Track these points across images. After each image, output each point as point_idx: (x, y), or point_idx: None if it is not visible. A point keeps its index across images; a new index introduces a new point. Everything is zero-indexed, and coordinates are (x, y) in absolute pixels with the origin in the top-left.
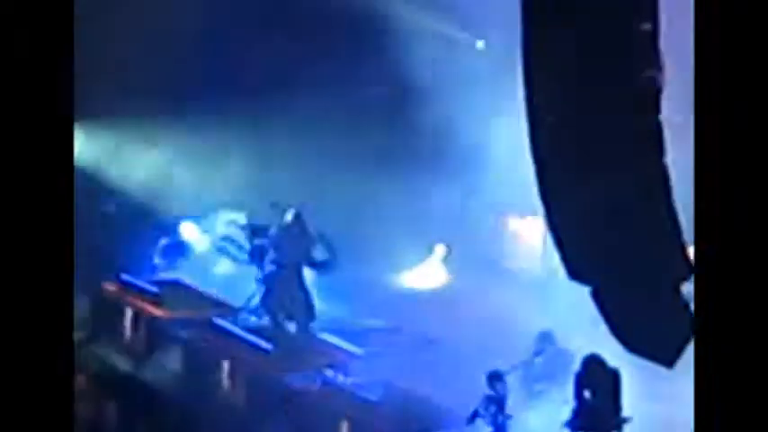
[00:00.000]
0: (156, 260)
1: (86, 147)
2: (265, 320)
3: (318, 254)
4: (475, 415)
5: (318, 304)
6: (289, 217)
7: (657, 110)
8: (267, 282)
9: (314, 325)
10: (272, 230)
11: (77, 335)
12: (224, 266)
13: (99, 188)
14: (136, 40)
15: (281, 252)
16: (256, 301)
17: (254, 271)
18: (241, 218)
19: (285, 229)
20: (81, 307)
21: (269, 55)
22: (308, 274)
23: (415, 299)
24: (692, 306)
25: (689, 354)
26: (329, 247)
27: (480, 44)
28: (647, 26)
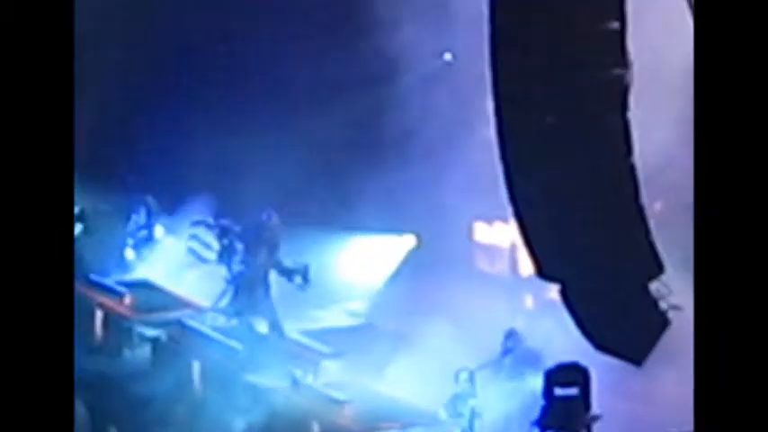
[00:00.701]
0: (128, 257)
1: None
2: (234, 321)
3: (289, 261)
4: None
5: (287, 303)
6: (263, 218)
7: (625, 108)
8: (236, 282)
9: (283, 325)
10: (242, 230)
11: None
12: (193, 266)
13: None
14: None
15: (252, 253)
16: (225, 301)
17: (222, 271)
18: (210, 218)
19: (257, 229)
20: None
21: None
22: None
23: (384, 296)
24: (663, 305)
25: (657, 352)
26: (302, 269)
27: (448, 56)
28: (614, 25)
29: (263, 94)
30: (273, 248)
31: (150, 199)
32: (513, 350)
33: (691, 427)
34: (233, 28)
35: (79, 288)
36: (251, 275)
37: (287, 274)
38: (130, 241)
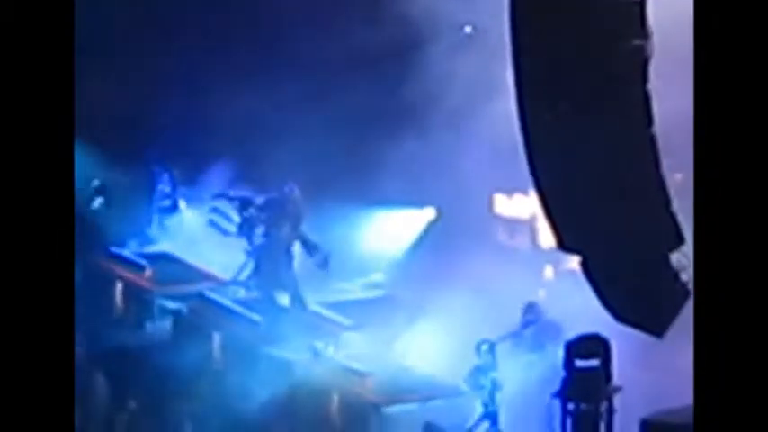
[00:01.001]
0: (149, 229)
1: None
2: (255, 293)
3: (313, 237)
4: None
5: (309, 276)
6: (285, 191)
7: (646, 79)
8: (257, 254)
9: (305, 297)
10: (264, 203)
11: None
12: (214, 238)
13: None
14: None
15: (275, 226)
16: (246, 273)
17: (243, 244)
18: (231, 191)
19: (279, 202)
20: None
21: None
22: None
23: (404, 268)
24: (683, 276)
25: (678, 323)
26: (324, 253)
27: (468, 28)
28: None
29: (285, 64)
30: (296, 221)
31: (174, 170)
32: (533, 322)
33: None
34: None
35: (100, 261)
36: (273, 248)
37: (309, 248)
38: (155, 210)
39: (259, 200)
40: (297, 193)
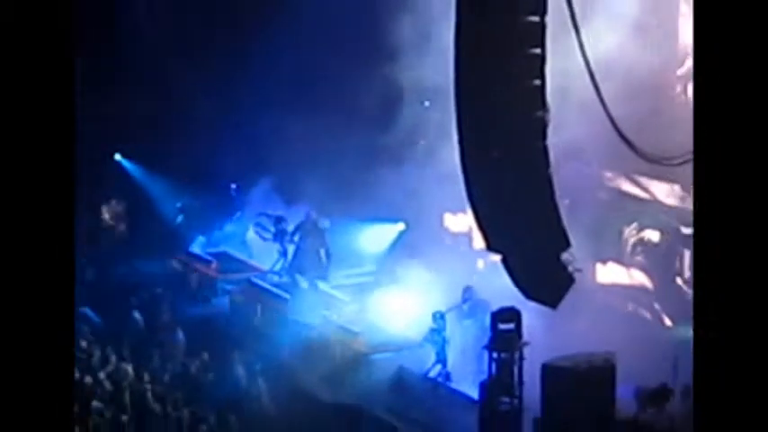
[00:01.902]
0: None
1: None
2: (285, 278)
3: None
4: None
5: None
6: (305, 214)
7: (545, 136)
8: (286, 254)
9: (319, 282)
10: (291, 220)
11: (158, 290)
12: (257, 242)
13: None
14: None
15: (300, 236)
16: (278, 266)
17: (277, 246)
18: (269, 211)
19: (302, 221)
20: (163, 270)
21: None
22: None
23: (384, 263)
24: (570, 268)
25: (566, 299)
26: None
27: (427, 103)
28: (537, 82)
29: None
30: (317, 234)
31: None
32: (469, 299)
33: (593, 348)
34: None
35: (181, 257)
36: (298, 250)
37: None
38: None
39: (287, 218)
40: (313, 215)
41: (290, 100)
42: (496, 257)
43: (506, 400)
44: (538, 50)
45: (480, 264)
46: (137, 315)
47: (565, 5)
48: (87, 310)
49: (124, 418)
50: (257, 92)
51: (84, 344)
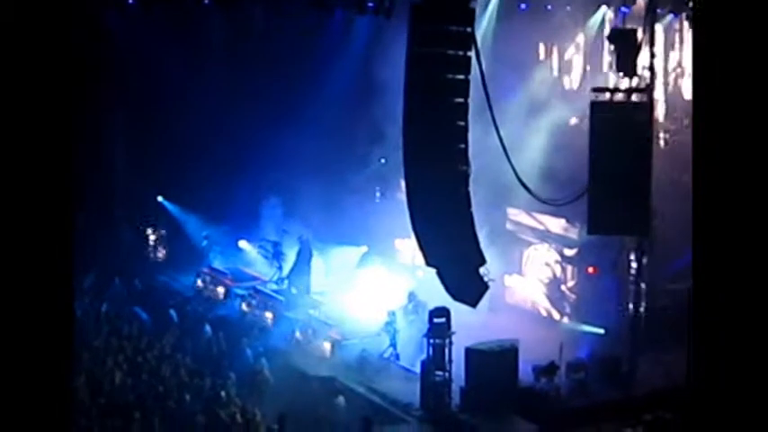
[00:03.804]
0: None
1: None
2: (282, 286)
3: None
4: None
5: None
6: (300, 238)
7: (467, 183)
8: (282, 268)
9: (306, 290)
10: (285, 245)
11: (189, 294)
12: (261, 260)
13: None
14: None
15: (298, 255)
16: (276, 277)
17: (275, 263)
18: (269, 236)
19: (298, 245)
20: (192, 280)
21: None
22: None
23: (351, 275)
24: (485, 278)
25: (483, 301)
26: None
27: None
28: (462, 146)
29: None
30: (307, 254)
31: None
32: (413, 300)
33: (502, 336)
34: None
35: (206, 271)
36: (293, 267)
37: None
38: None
39: (281, 243)
40: (305, 238)
41: (289, 159)
42: (432, 270)
43: (440, 373)
44: (462, 123)
45: (420, 274)
46: (172, 313)
47: (482, 89)
48: (138, 309)
49: (161, 389)
50: (262, 149)
51: (135, 332)
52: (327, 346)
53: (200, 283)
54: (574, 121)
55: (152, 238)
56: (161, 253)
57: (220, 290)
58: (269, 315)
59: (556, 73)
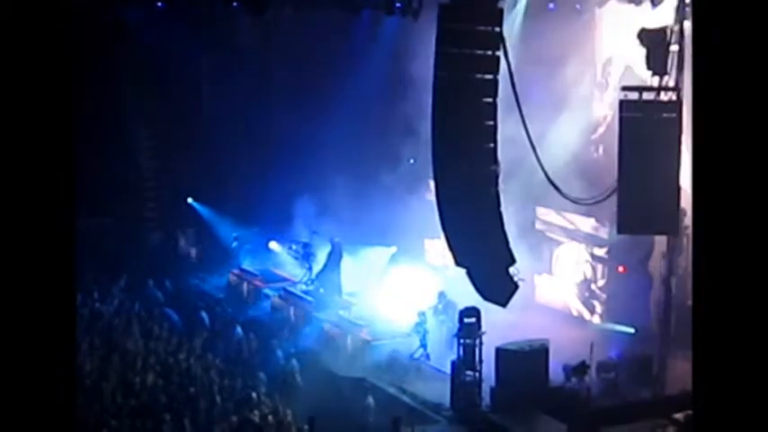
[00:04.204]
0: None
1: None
2: (311, 287)
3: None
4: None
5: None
6: (331, 240)
7: (497, 183)
8: (312, 269)
9: (337, 292)
10: (315, 246)
11: (220, 296)
12: (290, 261)
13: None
14: None
15: (327, 257)
16: (306, 278)
17: (305, 264)
18: (299, 238)
19: (329, 246)
20: (223, 282)
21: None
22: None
23: (382, 275)
24: (515, 278)
25: (513, 300)
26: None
27: (411, 161)
28: (491, 144)
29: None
30: (338, 255)
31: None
32: (442, 300)
33: (532, 335)
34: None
35: (236, 272)
36: (323, 270)
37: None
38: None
39: (312, 245)
40: (336, 240)
41: (321, 158)
42: (462, 270)
43: (470, 373)
44: (491, 122)
45: (451, 273)
46: (203, 314)
47: (511, 89)
48: (169, 310)
49: (192, 390)
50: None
51: (165, 334)
52: (358, 346)
53: (230, 284)
54: (606, 118)
55: (182, 240)
56: (192, 255)
57: (250, 291)
58: (299, 316)
59: (587, 72)
